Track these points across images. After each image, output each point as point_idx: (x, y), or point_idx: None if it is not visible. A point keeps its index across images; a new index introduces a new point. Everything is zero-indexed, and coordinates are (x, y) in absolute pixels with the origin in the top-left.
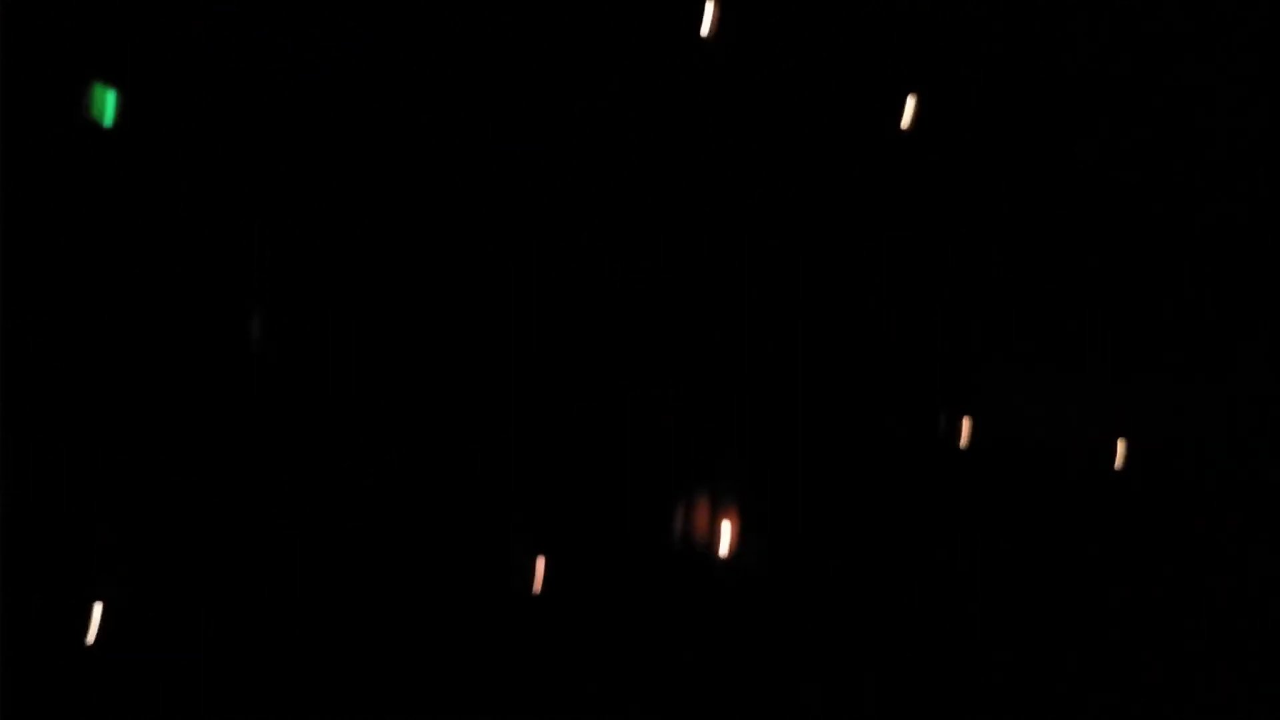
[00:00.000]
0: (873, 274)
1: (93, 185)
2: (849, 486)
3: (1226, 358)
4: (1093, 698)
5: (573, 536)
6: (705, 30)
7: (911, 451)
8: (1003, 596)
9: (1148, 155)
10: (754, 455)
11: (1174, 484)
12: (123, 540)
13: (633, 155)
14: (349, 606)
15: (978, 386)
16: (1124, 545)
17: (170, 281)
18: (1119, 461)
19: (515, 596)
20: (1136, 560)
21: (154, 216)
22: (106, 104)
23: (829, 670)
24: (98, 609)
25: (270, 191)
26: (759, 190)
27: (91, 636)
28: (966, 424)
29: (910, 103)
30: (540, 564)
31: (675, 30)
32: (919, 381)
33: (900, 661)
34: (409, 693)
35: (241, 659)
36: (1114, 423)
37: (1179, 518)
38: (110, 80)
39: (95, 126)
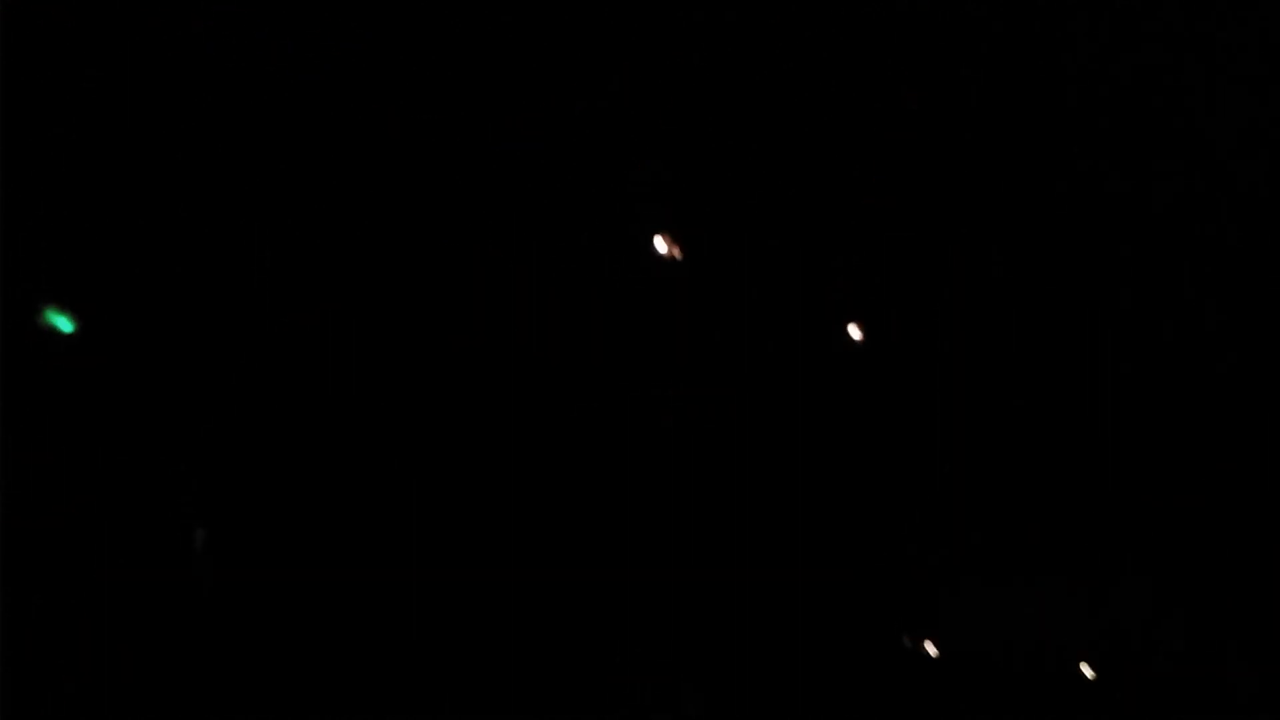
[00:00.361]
0: (873, 274)
1: (93, 185)
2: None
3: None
4: None
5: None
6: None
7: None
8: None
9: (1148, 156)
10: (753, 463)
11: (1141, 693)
12: (122, 541)
13: (633, 155)
14: (349, 606)
15: (946, 603)
16: None
17: (170, 281)
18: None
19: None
20: None
21: (154, 216)
22: (60, 322)
23: None
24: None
25: (270, 191)
26: (759, 190)
27: None
28: (929, 644)
29: (854, 330)
30: None
31: (675, 32)
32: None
33: None
34: (409, 693)
35: (241, 658)
36: (1078, 635)
37: None
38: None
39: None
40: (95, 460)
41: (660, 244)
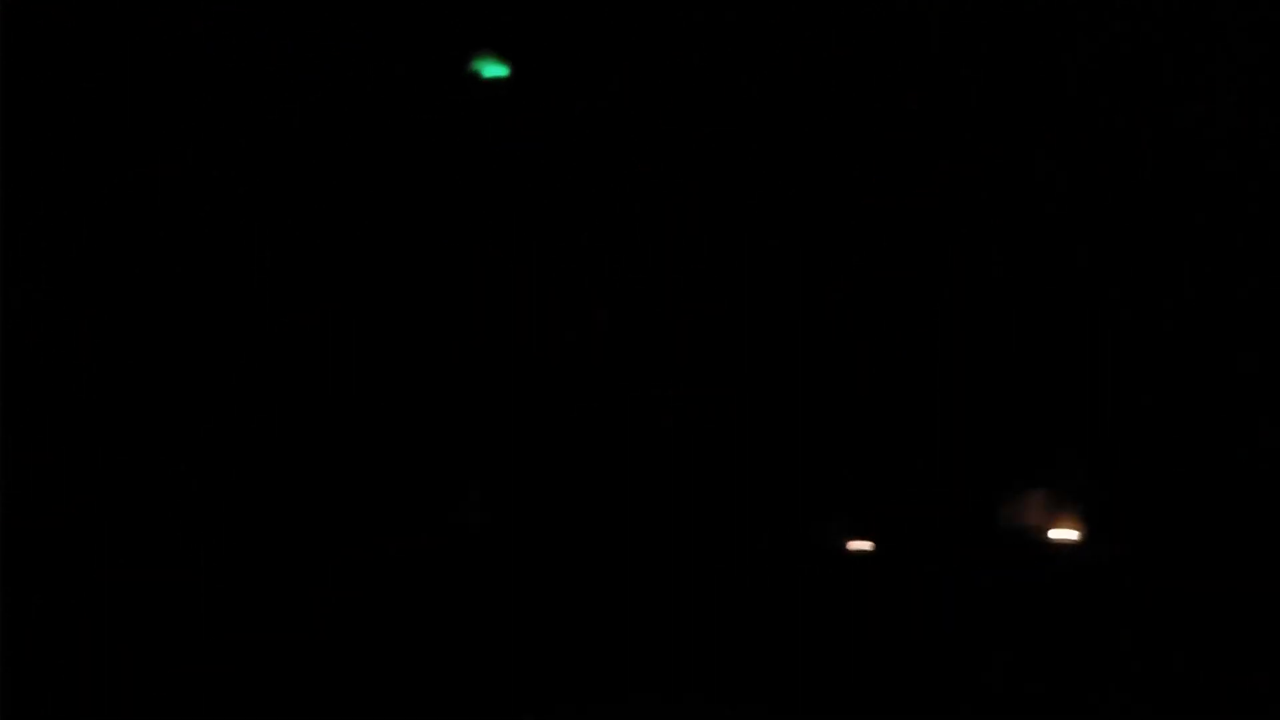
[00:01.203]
0: (873, 274)
1: (93, 185)
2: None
3: None
4: None
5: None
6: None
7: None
8: None
9: (1146, 155)
10: (754, 463)
11: None
12: (122, 540)
13: (633, 155)
14: (349, 606)
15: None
16: None
17: (170, 281)
18: None
19: (523, 594)
20: None
21: (154, 216)
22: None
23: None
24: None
25: (270, 191)
26: (759, 190)
27: None
28: None
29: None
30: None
31: (675, 32)
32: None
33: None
34: (408, 692)
35: (240, 658)
36: None
37: None
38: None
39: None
40: (95, 460)
41: None
